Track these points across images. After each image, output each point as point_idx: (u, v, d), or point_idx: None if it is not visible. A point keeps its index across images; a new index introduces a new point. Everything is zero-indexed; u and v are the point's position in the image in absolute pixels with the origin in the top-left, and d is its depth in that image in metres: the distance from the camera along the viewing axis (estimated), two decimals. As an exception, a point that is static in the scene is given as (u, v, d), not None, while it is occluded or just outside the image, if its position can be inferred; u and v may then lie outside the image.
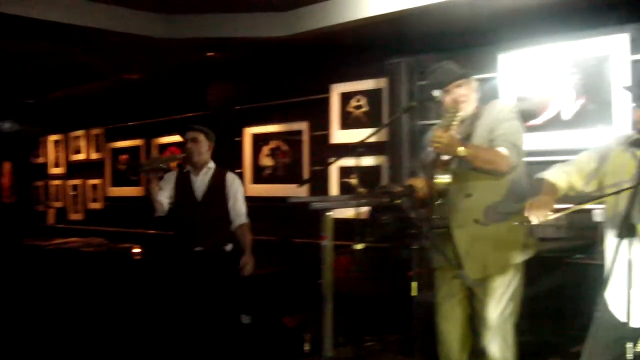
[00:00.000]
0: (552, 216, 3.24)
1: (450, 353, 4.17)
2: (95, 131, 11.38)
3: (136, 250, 8.69)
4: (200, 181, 5.54)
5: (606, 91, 5.50)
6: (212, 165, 5.63)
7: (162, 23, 7.00)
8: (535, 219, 3.25)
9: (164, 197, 5.55)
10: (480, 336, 4.02)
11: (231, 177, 5.65)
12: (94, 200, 11.37)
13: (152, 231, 9.67)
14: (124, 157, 10.70)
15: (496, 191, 3.93)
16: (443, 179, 3.94)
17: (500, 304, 3.97)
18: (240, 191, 5.65)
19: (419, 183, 4.09)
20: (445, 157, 3.93)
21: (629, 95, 4.14)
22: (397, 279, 5.70)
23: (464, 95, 4.05)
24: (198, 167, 5.57)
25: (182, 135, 5.60)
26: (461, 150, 3.72)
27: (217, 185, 5.54)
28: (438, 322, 4.19)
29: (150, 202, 5.51)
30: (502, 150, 3.84)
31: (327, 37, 6.78)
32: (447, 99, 4.05)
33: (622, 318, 2.85)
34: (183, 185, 5.57)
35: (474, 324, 4.09)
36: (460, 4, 5.59)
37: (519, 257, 4.00)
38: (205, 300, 5.26)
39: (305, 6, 6.63)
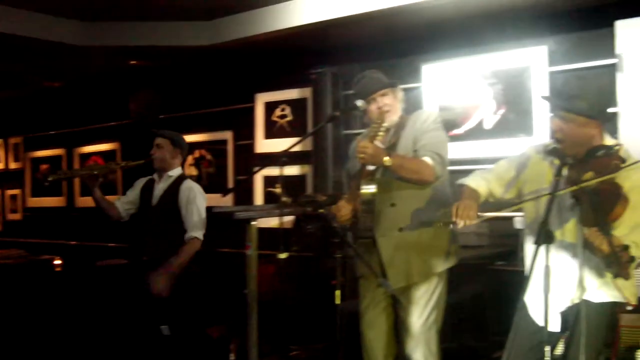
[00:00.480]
0: (477, 220, 3.27)
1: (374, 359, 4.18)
2: (14, 140, 11.09)
3: (57, 262, 8.49)
4: (160, 189, 5.35)
5: (526, 101, 5.63)
6: (175, 173, 5.39)
7: (84, 30, 6.88)
8: (461, 222, 3.28)
9: (124, 202, 5.43)
10: (404, 344, 4.03)
11: (186, 186, 5.31)
12: (13, 211, 11.07)
13: (73, 242, 9.48)
14: (44, 166, 10.46)
15: (420, 200, 3.96)
16: (368, 189, 3.95)
17: (424, 312, 4.00)
18: (193, 202, 5.26)
19: (343, 206, 4.05)
20: (371, 167, 3.94)
21: (547, 105, 4.24)
22: (321, 287, 5.70)
23: (389, 105, 4.06)
24: (161, 174, 5.40)
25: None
26: (386, 160, 3.73)
27: (172, 194, 5.29)
28: (362, 330, 4.19)
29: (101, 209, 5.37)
30: (427, 160, 3.87)
31: (251, 46, 6.77)
32: (373, 108, 4.06)
33: (541, 322, 2.89)
34: (146, 192, 5.41)
35: (398, 331, 4.11)
36: (383, 16, 5.63)
37: (442, 265, 4.04)
38: (128, 313, 5.15)
39: (228, 15, 6.61)
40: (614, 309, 3.30)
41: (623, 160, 2.95)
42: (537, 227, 2.76)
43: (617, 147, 3.06)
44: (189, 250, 5.18)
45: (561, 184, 3.04)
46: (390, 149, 3.99)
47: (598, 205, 2.77)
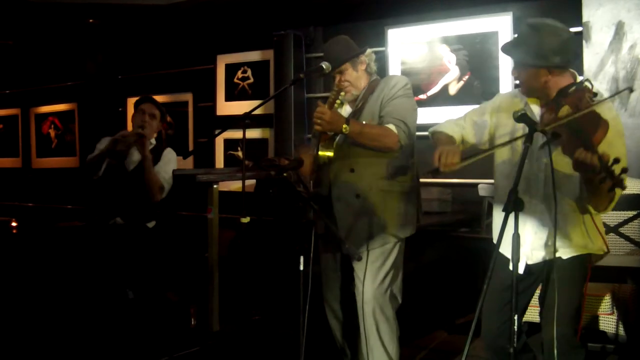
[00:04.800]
0: (460, 165, 3.21)
1: (337, 322, 4.17)
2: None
3: (13, 224, 8.37)
4: (138, 154, 5.09)
5: (492, 68, 5.64)
6: (153, 141, 5.25)
7: (40, -14, 6.70)
8: (445, 168, 3.22)
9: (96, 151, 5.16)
10: (359, 308, 4.01)
11: (168, 151, 5.26)
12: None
13: (30, 204, 9.33)
14: (-1, 126, 10.27)
15: (379, 166, 3.91)
16: (326, 152, 3.90)
17: (377, 276, 3.97)
18: (170, 164, 5.20)
19: (307, 157, 4.02)
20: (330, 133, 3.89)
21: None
22: (284, 252, 5.68)
23: (348, 81, 3.99)
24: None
25: (136, 105, 5.25)
26: (345, 127, 3.68)
27: (154, 159, 5.10)
28: (323, 292, 4.18)
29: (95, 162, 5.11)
30: (391, 127, 3.82)
31: (212, 6, 6.64)
32: (336, 76, 3.99)
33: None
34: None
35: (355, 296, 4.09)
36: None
37: (401, 232, 4.01)
38: (89, 276, 5.03)
39: (188, -27, 6.47)
40: (587, 260, 3.31)
41: (594, 94, 3.00)
42: (507, 194, 2.73)
43: (585, 82, 3.10)
44: (157, 183, 5.06)
45: (534, 152, 3.12)
46: (357, 113, 3.93)
47: (580, 130, 2.79)
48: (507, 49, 3.28)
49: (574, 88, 3.09)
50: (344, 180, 3.93)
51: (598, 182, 2.66)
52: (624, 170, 2.61)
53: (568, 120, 2.85)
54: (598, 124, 2.79)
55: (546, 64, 3.12)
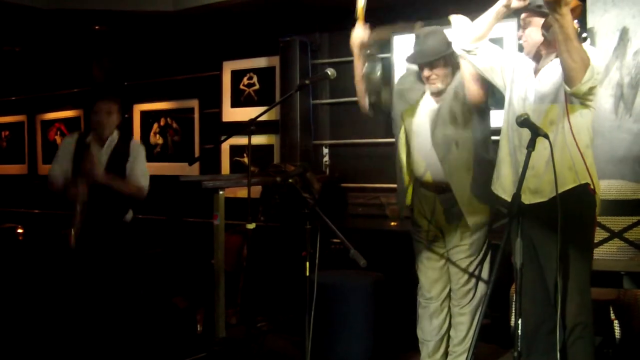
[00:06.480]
0: None
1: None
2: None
3: (19, 230, 8.41)
4: (104, 153, 5.06)
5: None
6: (115, 136, 5.15)
7: (47, -7, 6.72)
8: None
9: (58, 172, 5.10)
10: None
11: (136, 145, 5.20)
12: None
13: (36, 210, 9.35)
14: (5, 133, 10.28)
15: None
16: None
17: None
18: (142, 158, 5.17)
19: None
20: None
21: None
22: (290, 258, 5.68)
23: (440, 70, 4.14)
24: (103, 139, 5.12)
25: (91, 105, 5.20)
26: None
27: (121, 154, 5.08)
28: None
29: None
30: None
31: (218, 13, 6.67)
32: (424, 69, 4.16)
33: None
34: (81, 159, 5.03)
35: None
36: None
37: None
38: (94, 279, 5.03)
39: (194, -20, 6.50)
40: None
41: None
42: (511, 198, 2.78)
43: None
44: (133, 190, 5.05)
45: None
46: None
47: None
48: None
49: None
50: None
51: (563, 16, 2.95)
52: (585, 39, 2.99)
53: None
54: None
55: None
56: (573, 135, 3.33)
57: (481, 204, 4.07)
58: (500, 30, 5.61)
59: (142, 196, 5.11)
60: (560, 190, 3.21)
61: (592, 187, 3.41)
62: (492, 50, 3.77)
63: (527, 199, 3.41)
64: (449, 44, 4.03)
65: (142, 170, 5.14)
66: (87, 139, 5.09)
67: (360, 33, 4.36)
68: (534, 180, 3.40)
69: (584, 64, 3.09)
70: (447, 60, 4.10)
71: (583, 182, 3.38)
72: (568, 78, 3.16)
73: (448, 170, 4.05)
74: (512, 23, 5.55)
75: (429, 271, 4.35)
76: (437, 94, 4.15)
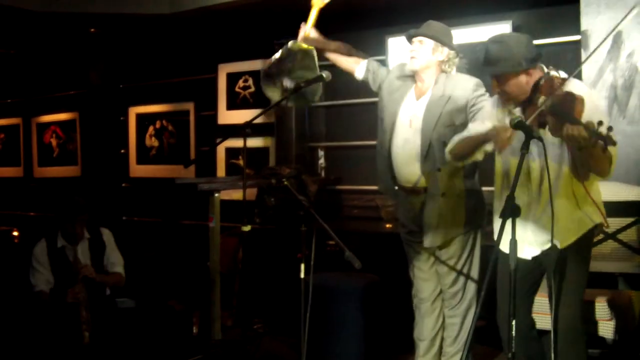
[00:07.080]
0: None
1: None
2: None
3: (15, 233, 8.40)
4: (81, 254, 5.05)
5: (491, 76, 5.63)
6: (87, 234, 5.17)
7: (43, -4, 6.73)
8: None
9: (43, 283, 5.08)
10: None
11: (106, 233, 5.31)
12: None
13: (32, 213, 9.35)
14: (0, 135, 10.27)
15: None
16: None
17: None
18: (112, 245, 5.30)
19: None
20: None
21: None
22: (286, 260, 5.69)
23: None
24: (76, 240, 5.09)
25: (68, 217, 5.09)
26: None
27: (98, 248, 5.20)
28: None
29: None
30: None
31: (213, 15, 6.67)
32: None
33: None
34: (60, 265, 5.10)
35: None
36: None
37: None
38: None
39: (189, -17, 6.50)
40: (592, 234, 3.51)
41: (563, 79, 3.29)
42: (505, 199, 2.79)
43: (551, 72, 3.37)
44: (116, 279, 5.22)
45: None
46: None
47: (562, 111, 3.01)
48: (487, 67, 3.48)
49: (543, 79, 3.34)
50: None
51: (592, 146, 2.85)
52: (610, 129, 2.78)
53: (546, 105, 3.10)
54: (574, 101, 3.03)
55: (524, 67, 3.35)
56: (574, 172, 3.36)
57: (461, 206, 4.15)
58: (493, 33, 5.57)
59: (122, 284, 5.27)
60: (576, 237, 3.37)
61: (605, 225, 3.51)
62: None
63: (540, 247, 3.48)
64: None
65: (118, 258, 5.30)
66: (59, 244, 5.12)
67: (302, 34, 4.86)
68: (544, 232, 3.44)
69: (610, 163, 3.12)
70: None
71: (597, 222, 3.45)
72: (597, 173, 3.25)
73: (427, 172, 4.11)
74: (506, 26, 5.56)
75: (419, 272, 4.41)
76: (419, 94, 4.25)
